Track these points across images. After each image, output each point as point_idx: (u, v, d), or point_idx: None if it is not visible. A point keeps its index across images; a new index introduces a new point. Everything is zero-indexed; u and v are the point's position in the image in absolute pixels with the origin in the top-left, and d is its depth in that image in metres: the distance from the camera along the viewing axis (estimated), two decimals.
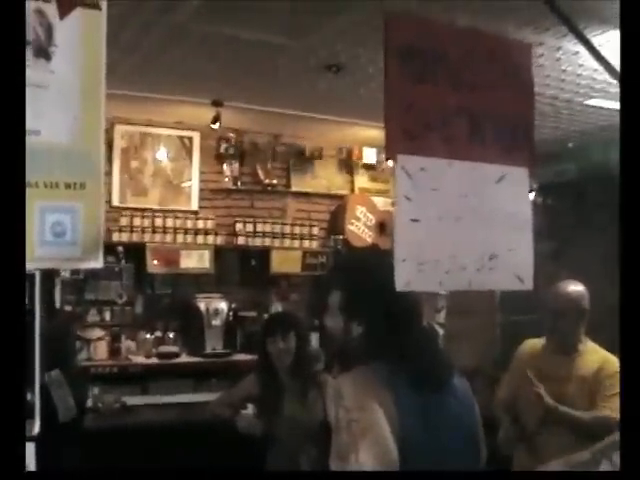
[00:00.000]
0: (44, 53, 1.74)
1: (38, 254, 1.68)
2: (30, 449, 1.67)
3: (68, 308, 5.99)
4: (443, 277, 2.06)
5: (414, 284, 1.99)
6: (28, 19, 1.71)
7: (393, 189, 2.09)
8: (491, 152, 2.16)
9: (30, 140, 1.68)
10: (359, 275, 2.12)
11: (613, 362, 3.23)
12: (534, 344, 3.57)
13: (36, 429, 1.75)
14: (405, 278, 1.96)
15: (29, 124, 1.68)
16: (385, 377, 1.88)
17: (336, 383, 1.93)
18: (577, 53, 4.50)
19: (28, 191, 1.67)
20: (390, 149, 2.02)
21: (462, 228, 2.09)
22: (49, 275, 5.18)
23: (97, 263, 1.75)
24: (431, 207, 2.05)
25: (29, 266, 1.71)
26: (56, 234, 1.69)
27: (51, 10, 1.76)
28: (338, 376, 2.00)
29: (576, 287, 3.36)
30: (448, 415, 1.93)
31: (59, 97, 1.73)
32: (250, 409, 3.80)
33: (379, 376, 1.88)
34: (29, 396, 1.75)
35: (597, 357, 3.31)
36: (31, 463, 1.64)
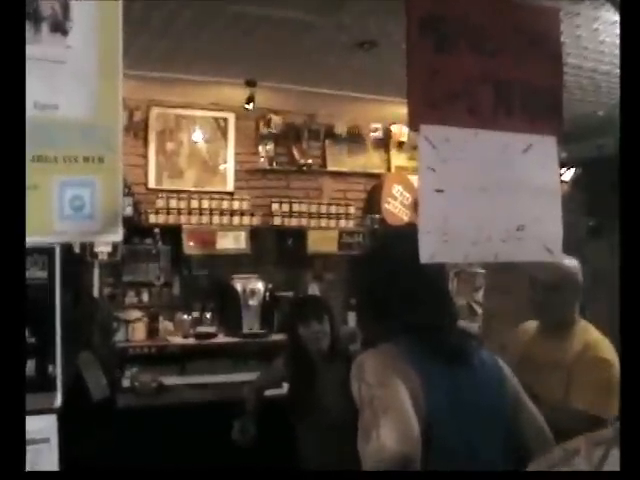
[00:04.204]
0: (61, 28, 1.73)
1: (57, 228, 1.68)
2: (51, 421, 1.69)
3: (107, 290, 6.08)
4: (469, 249, 2.02)
5: (439, 256, 1.96)
6: None
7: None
8: (517, 121, 2.10)
9: (48, 115, 1.69)
10: (382, 252, 2.10)
11: (598, 346, 2.96)
12: (525, 328, 3.32)
13: (58, 402, 1.76)
14: (430, 250, 1.93)
15: (47, 99, 1.69)
16: (409, 352, 1.86)
17: (359, 360, 1.91)
18: (615, 23, 4.37)
19: (47, 166, 1.68)
20: (413, 119, 1.98)
21: (488, 199, 2.04)
22: (85, 257, 5.27)
23: (116, 236, 1.75)
24: (456, 178, 2.01)
25: (49, 240, 1.73)
26: (75, 208, 1.69)
27: None
28: (361, 353, 1.98)
29: (570, 260, 3.05)
30: (474, 389, 1.91)
31: (76, 72, 1.73)
32: (237, 425, 3.79)
33: (402, 351, 1.86)
34: (50, 369, 1.77)
35: (584, 339, 3.01)
36: (53, 435, 1.66)
